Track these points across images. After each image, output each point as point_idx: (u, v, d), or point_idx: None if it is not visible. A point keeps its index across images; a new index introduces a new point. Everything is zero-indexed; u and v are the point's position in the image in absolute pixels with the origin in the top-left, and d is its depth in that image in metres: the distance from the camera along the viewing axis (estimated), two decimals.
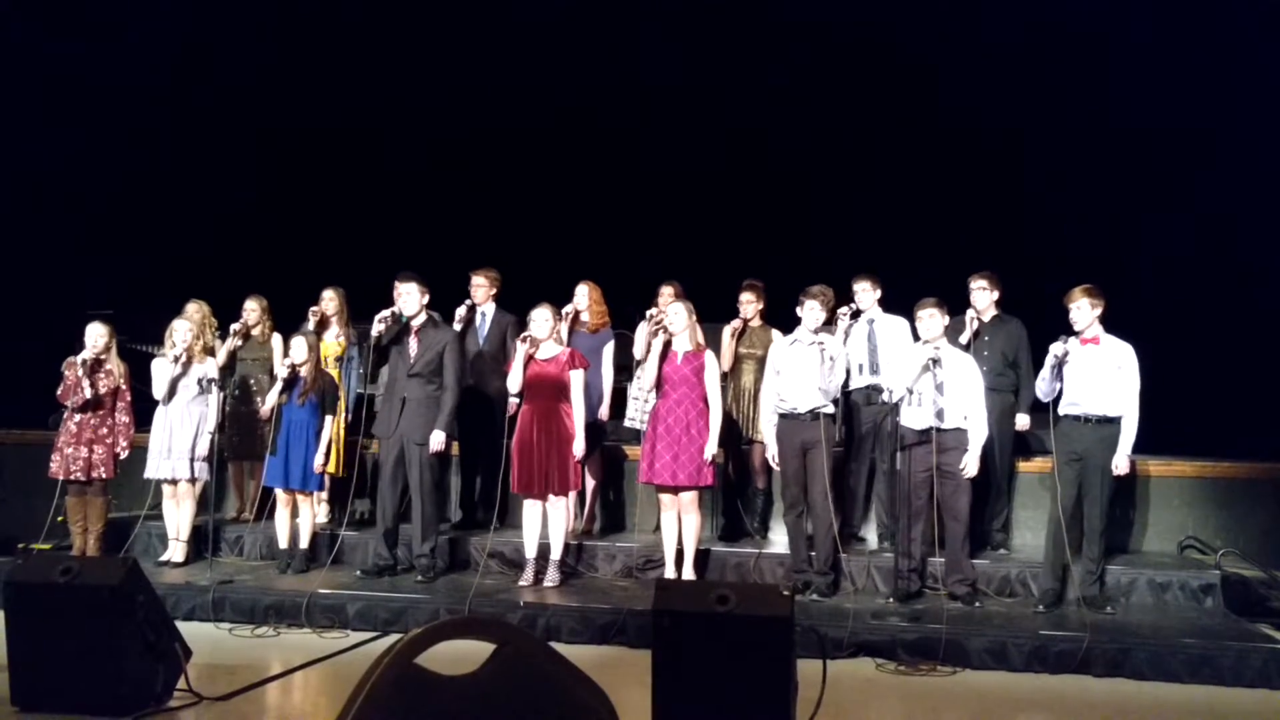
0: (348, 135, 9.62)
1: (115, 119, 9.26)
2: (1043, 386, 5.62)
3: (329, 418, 6.27)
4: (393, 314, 6.01)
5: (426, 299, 6.08)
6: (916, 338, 5.96)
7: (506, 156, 9.46)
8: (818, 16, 8.79)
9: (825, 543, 5.75)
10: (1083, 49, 8.27)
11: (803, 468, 5.73)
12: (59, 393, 6.28)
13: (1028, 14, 8.35)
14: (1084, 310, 5.51)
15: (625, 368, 7.05)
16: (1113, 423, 5.49)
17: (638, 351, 6.57)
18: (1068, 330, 5.57)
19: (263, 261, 8.67)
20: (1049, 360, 5.51)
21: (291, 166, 9.57)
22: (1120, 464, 5.48)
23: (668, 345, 5.80)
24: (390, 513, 6.10)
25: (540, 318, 5.87)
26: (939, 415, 5.58)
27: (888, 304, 6.47)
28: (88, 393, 6.20)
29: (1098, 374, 5.49)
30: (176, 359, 6.31)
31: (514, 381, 5.88)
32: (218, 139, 9.45)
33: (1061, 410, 5.61)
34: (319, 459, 6.18)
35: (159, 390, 6.34)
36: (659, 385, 5.81)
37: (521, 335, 5.92)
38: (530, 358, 5.86)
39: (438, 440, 5.92)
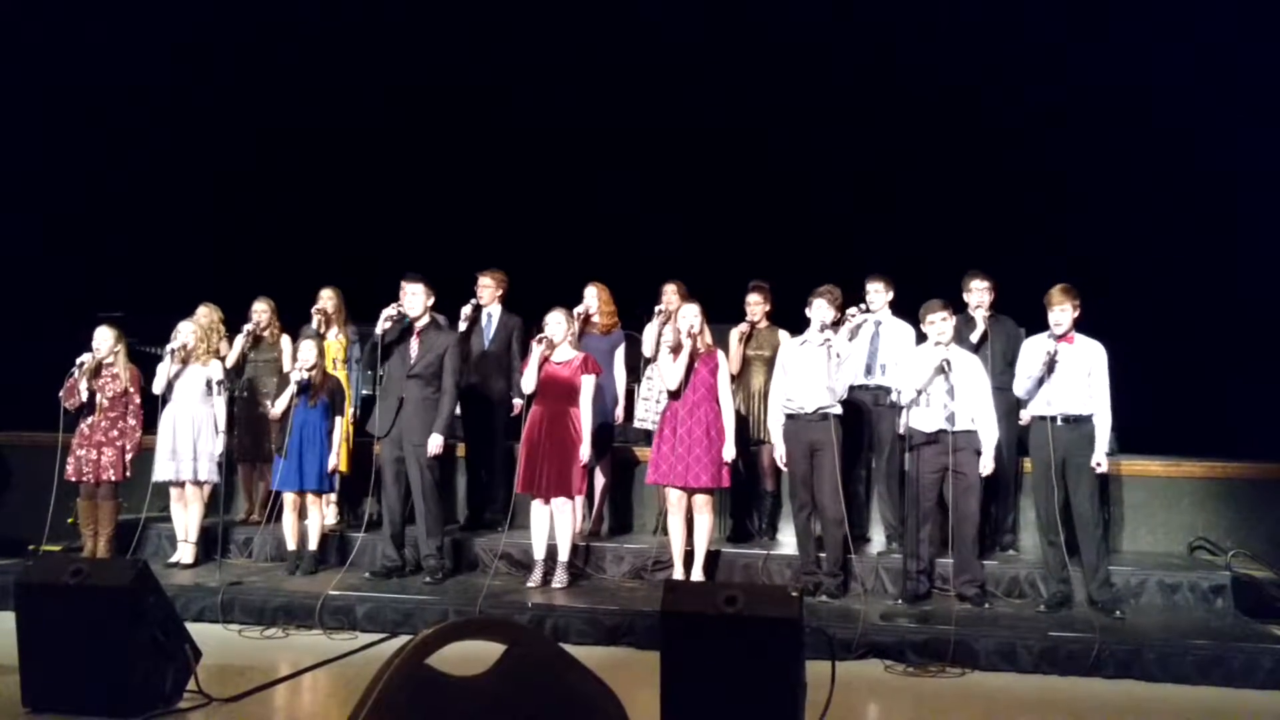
0: (352, 134, 9.64)
1: (118, 120, 9.31)
2: (1028, 385, 5.61)
3: (338, 418, 6.30)
4: (398, 311, 6.02)
5: (431, 301, 6.09)
6: (919, 343, 5.96)
7: (510, 156, 9.47)
8: (817, 18, 8.80)
9: (835, 544, 5.75)
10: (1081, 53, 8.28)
11: (811, 469, 5.73)
12: (61, 394, 6.30)
13: (1022, 21, 8.35)
14: (1067, 312, 5.53)
15: (635, 369, 7.06)
16: (1085, 421, 5.51)
17: (647, 350, 6.56)
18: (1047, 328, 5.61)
19: (268, 263, 8.69)
20: (1040, 360, 5.49)
21: (295, 167, 9.58)
22: (1101, 462, 5.47)
23: (694, 349, 5.77)
24: (396, 513, 6.12)
25: (555, 320, 5.88)
26: (950, 419, 5.56)
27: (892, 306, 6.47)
28: (83, 397, 6.23)
29: (1070, 373, 5.50)
30: (173, 353, 6.33)
31: (528, 382, 5.88)
32: (218, 138, 9.48)
33: (1034, 412, 5.64)
34: (333, 459, 6.21)
35: (156, 385, 6.36)
36: (679, 390, 5.79)
37: (537, 336, 5.93)
38: (545, 359, 5.87)
39: (436, 444, 5.93)
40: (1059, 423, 5.50)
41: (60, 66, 9.22)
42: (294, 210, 9.54)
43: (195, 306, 6.81)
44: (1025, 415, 6.24)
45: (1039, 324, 5.73)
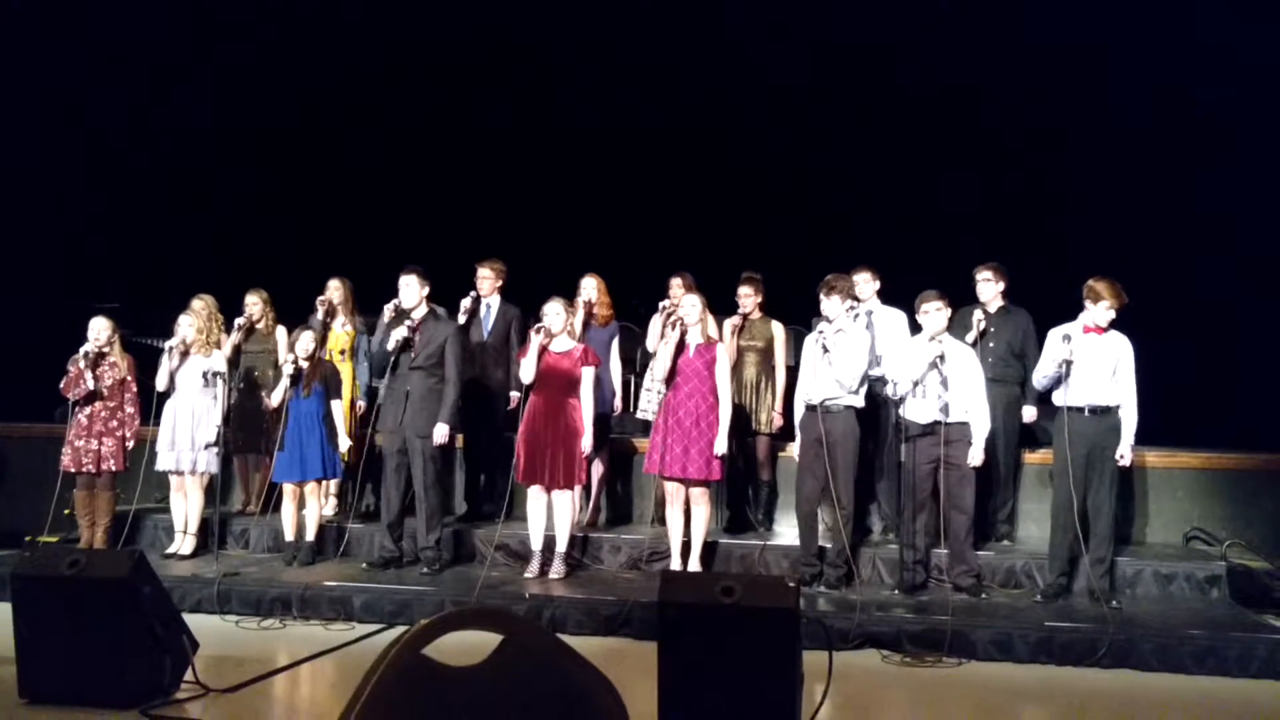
0: (351, 132, 9.61)
1: (116, 118, 9.28)
2: (1045, 382, 5.60)
3: (336, 402, 6.29)
4: (395, 307, 6.01)
5: (426, 291, 6.08)
6: (914, 331, 5.95)
7: (511, 152, 9.45)
8: (814, 16, 8.79)
9: (840, 535, 5.74)
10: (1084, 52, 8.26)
11: (821, 460, 5.71)
12: (61, 385, 6.30)
13: (1026, 21, 8.34)
14: (1110, 308, 5.46)
15: (630, 361, 7.05)
16: (1110, 412, 5.49)
17: (651, 344, 6.56)
18: (1074, 317, 5.56)
19: (269, 255, 8.68)
20: (1055, 359, 5.47)
21: (294, 161, 9.56)
22: (1125, 454, 5.49)
23: (683, 338, 5.79)
24: (395, 505, 6.12)
25: (553, 310, 5.86)
26: (944, 410, 5.56)
27: (889, 296, 6.45)
28: (90, 385, 6.23)
29: (1098, 364, 5.47)
30: (172, 350, 6.33)
31: (527, 372, 5.87)
32: (219, 137, 9.45)
33: (1061, 401, 5.60)
34: (343, 442, 6.24)
35: (159, 381, 6.37)
36: (670, 377, 5.81)
37: (535, 326, 5.92)
38: (544, 349, 5.86)
39: (441, 433, 5.94)
40: (1086, 414, 5.47)
41: (59, 66, 9.19)
42: (293, 206, 9.52)
43: (190, 299, 6.78)
44: (1029, 413, 6.25)
45: (1048, 317, 5.72)
